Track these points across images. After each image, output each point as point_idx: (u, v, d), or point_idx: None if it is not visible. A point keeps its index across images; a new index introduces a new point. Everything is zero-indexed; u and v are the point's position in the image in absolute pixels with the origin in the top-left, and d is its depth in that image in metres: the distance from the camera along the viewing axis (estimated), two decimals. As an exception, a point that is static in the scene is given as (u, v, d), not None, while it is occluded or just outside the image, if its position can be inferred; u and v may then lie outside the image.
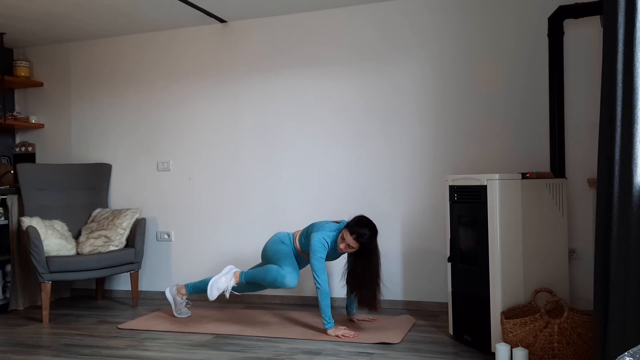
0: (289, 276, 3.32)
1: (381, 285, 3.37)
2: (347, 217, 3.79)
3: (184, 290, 3.80)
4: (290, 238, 3.61)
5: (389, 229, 4.03)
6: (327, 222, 3.51)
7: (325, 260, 3.38)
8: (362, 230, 3.29)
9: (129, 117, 4.74)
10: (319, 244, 3.33)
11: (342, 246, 3.33)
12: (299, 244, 3.55)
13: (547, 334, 2.70)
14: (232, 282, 3.56)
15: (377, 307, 3.35)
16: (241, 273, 3.57)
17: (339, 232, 3.38)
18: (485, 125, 3.85)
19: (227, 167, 4.46)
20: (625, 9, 2.15)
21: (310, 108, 4.25)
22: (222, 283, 3.54)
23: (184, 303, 3.87)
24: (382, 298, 3.48)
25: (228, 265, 3.74)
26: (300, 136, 4.27)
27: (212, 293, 3.53)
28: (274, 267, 3.39)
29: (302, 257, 3.58)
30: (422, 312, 3.90)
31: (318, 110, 4.23)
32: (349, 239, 3.29)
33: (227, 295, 3.55)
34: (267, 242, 3.64)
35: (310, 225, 3.55)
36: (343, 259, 3.62)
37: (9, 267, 4.29)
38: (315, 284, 3.29)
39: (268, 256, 3.56)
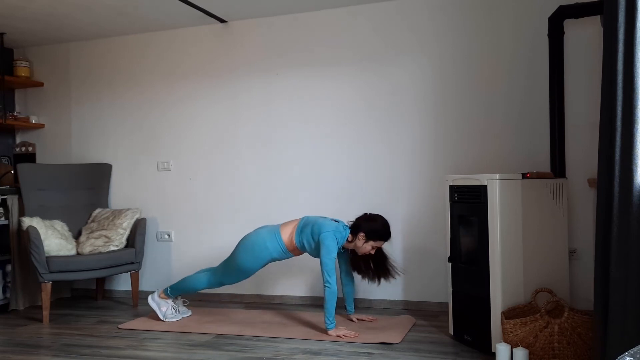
0: (215, 284, 3.66)
1: (389, 257, 3.58)
2: (348, 217, 3.79)
3: (163, 295, 3.78)
4: (276, 239, 3.49)
5: (389, 229, 4.03)
6: (324, 218, 3.51)
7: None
8: (389, 233, 3.46)
9: (129, 117, 4.74)
10: (334, 243, 3.32)
11: (372, 252, 3.45)
12: (297, 244, 3.47)
13: (548, 334, 2.70)
14: (169, 302, 3.79)
15: (395, 274, 3.56)
16: (165, 290, 3.79)
17: (347, 233, 3.42)
18: (485, 125, 3.85)
19: (227, 167, 4.46)
20: (625, 9, 2.15)
21: (310, 108, 4.25)
22: (167, 311, 3.76)
23: (170, 307, 3.78)
24: (383, 296, 3.67)
25: (149, 299, 3.82)
26: (300, 136, 4.28)
27: (171, 319, 3.77)
28: (203, 278, 3.64)
29: (291, 255, 3.55)
30: (422, 312, 3.90)
31: (318, 111, 4.23)
32: (381, 243, 3.44)
33: (179, 309, 3.82)
34: (245, 247, 3.51)
35: (308, 222, 3.46)
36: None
37: (9, 267, 4.30)
38: (324, 283, 3.27)
39: (235, 263, 3.52)
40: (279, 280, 4.31)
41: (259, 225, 4.31)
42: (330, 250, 3.30)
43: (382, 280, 3.55)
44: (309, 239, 3.42)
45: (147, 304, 4.28)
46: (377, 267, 3.53)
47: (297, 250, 3.51)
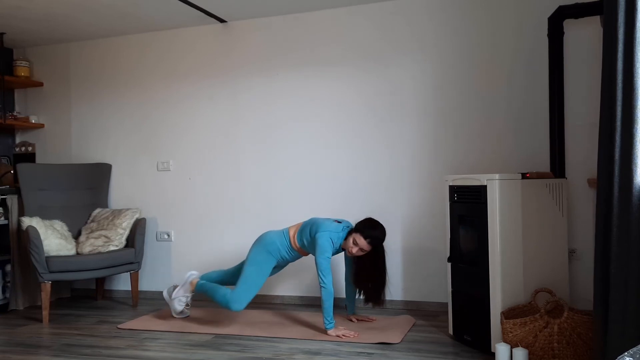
0: (235, 304, 3.41)
1: (387, 283, 3.44)
2: (347, 217, 3.80)
3: (193, 286, 3.71)
4: (284, 237, 3.55)
5: (389, 229, 3.98)
6: (326, 219, 3.51)
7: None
8: (375, 233, 3.34)
9: (129, 117, 4.74)
10: (328, 243, 3.33)
11: (354, 250, 3.33)
12: (298, 243, 3.51)
13: (547, 334, 2.70)
14: (189, 295, 3.76)
15: (381, 303, 3.42)
16: (197, 283, 3.71)
17: (346, 233, 3.40)
18: (486, 125, 3.85)
19: (227, 167, 4.46)
20: (625, 9, 2.16)
21: (310, 108, 4.25)
22: (181, 299, 3.75)
23: (185, 305, 3.77)
24: (386, 297, 3.50)
25: (190, 272, 3.79)
26: (300, 136, 4.27)
27: (176, 308, 3.77)
28: (224, 290, 3.48)
29: (298, 255, 3.57)
30: (422, 312, 3.90)
31: (318, 110, 4.23)
32: (363, 242, 3.30)
33: (186, 308, 3.79)
34: (257, 244, 3.56)
35: (310, 222, 3.50)
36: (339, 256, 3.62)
37: (9, 267, 4.29)
38: (320, 283, 3.28)
39: (248, 260, 3.53)
40: (278, 280, 4.31)
41: (259, 225, 4.33)
42: (324, 250, 3.30)
43: (366, 298, 3.43)
44: (307, 237, 3.46)
45: (147, 304, 4.31)
46: (375, 287, 3.40)
47: (301, 250, 3.53)
